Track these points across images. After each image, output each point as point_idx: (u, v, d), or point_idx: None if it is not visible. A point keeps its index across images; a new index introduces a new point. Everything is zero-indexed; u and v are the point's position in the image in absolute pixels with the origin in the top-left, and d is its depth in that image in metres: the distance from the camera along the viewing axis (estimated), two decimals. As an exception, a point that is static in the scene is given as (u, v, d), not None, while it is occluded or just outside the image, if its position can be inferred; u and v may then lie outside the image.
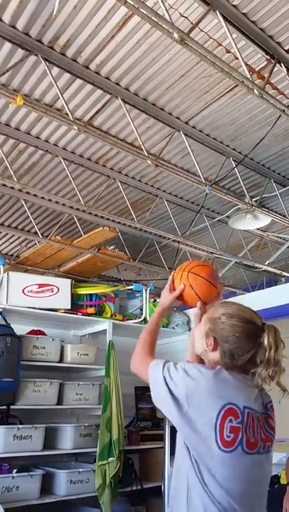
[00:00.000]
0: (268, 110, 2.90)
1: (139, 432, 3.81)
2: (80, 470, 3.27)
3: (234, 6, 2.24)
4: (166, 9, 2.06)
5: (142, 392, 4.18)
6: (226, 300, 1.56)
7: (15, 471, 3.01)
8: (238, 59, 2.40)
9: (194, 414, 1.16)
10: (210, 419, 1.14)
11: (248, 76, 2.41)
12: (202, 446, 1.15)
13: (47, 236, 3.92)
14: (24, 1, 2.19)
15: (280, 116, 2.83)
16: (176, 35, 2.06)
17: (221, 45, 2.46)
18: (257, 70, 2.65)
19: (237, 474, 1.15)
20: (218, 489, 1.12)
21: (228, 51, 2.50)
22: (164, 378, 1.21)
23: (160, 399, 1.22)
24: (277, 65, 2.57)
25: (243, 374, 1.23)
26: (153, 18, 2.00)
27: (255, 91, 2.43)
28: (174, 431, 3.72)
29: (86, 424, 3.44)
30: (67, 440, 3.34)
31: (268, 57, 2.54)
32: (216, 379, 1.21)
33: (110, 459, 3.26)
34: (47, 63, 2.50)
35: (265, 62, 2.61)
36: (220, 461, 1.13)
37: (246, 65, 2.42)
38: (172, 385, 1.19)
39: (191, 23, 2.25)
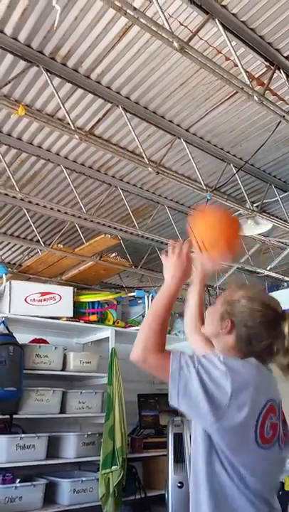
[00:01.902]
0: (268, 116, 2.92)
1: (142, 439, 3.79)
2: (84, 479, 3.25)
3: (233, 14, 2.26)
4: (165, 19, 2.09)
5: (145, 399, 4.16)
6: (243, 283, 1.43)
7: (18, 481, 2.99)
8: (237, 66, 2.42)
9: (235, 413, 1.04)
10: (253, 417, 1.07)
11: (248, 83, 2.42)
12: (238, 442, 1.07)
13: (49, 244, 3.93)
14: (26, 13, 2.21)
15: (280, 122, 2.85)
16: (175, 43, 2.08)
17: (220, 52, 2.48)
18: (256, 76, 2.67)
19: (271, 468, 1.13)
20: (254, 483, 1.07)
21: (227, 58, 2.52)
22: (200, 378, 1.05)
23: (187, 398, 1.06)
24: (277, 71, 2.59)
25: (262, 363, 1.17)
26: (153, 27, 2.03)
27: (255, 97, 2.45)
28: (177, 438, 3.66)
29: (89, 433, 3.42)
30: (71, 449, 3.32)
31: (268, 63, 2.56)
32: (258, 373, 1.14)
33: (114, 467, 3.23)
34: (48, 74, 2.53)
35: (265, 69, 2.63)
36: (258, 457, 1.08)
37: (246, 71, 2.44)
38: (210, 386, 1.04)
39: (191, 32, 2.27)
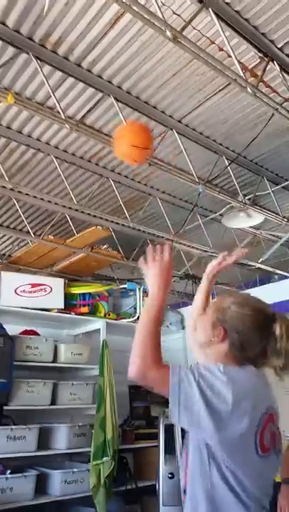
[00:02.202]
0: (261, 108, 2.90)
1: (133, 430, 3.82)
2: (75, 470, 3.28)
3: (227, 3, 2.22)
4: (158, 7, 2.04)
5: (136, 390, 4.19)
6: (233, 290, 1.45)
7: (8, 472, 3.00)
8: (230, 57, 2.39)
9: (236, 423, 1.04)
10: (253, 427, 1.07)
11: (241, 74, 2.39)
12: (239, 452, 1.06)
13: (39, 235, 3.88)
14: (14, -3, 2.15)
15: (273, 114, 2.83)
16: (168, 33, 2.04)
17: (213, 43, 2.44)
18: (250, 68, 2.63)
19: (268, 474, 1.14)
20: (251, 487, 1.07)
21: (220, 49, 2.48)
22: (200, 390, 1.04)
23: (189, 412, 1.03)
24: (271, 62, 2.56)
25: (257, 369, 1.17)
26: (145, 15, 1.98)
27: (249, 89, 2.42)
28: (168, 429, 3.69)
29: (80, 424, 3.45)
30: (62, 440, 3.35)
31: (261, 55, 2.53)
32: (258, 382, 1.15)
33: (105, 458, 3.26)
34: (38, 61, 2.47)
35: (258, 60, 2.59)
36: (258, 465, 1.08)
37: (239, 63, 2.40)
38: (212, 397, 1.03)
39: (184, 21, 2.23)
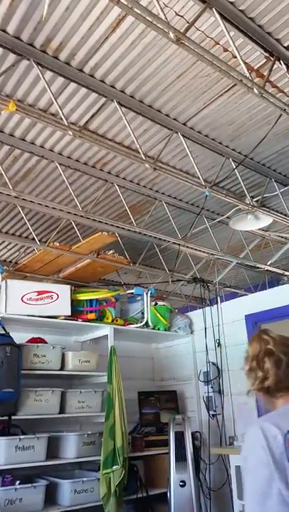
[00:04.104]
0: (268, 109, 2.84)
1: (143, 438, 3.77)
2: (84, 479, 3.23)
3: (231, 2, 2.17)
4: (161, 8, 2.00)
5: (146, 397, 4.14)
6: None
7: (18, 482, 2.97)
8: (236, 57, 2.33)
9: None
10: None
11: (247, 75, 2.33)
12: None
13: (45, 242, 3.86)
14: (14, 3, 2.12)
15: (281, 115, 2.76)
16: (172, 34, 1.99)
17: (218, 43, 2.39)
18: (256, 68, 2.57)
19: None
20: None
21: (225, 50, 2.43)
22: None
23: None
24: (277, 62, 2.49)
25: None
26: (147, 17, 1.93)
27: (255, 90, 2.36)
28: (178, 436, 3.62)
29: (89, 432, 3.40)
30: (71, 449, 3.31)
31: (267, 54, 2.47)
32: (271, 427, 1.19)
33: (115, 467, 3.22)
34: (40, 67, 2.44)
35: (264, 60, 2.54)
36: None
37: (245, 63, 2.35)
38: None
39: (187, 22, 2.18)
